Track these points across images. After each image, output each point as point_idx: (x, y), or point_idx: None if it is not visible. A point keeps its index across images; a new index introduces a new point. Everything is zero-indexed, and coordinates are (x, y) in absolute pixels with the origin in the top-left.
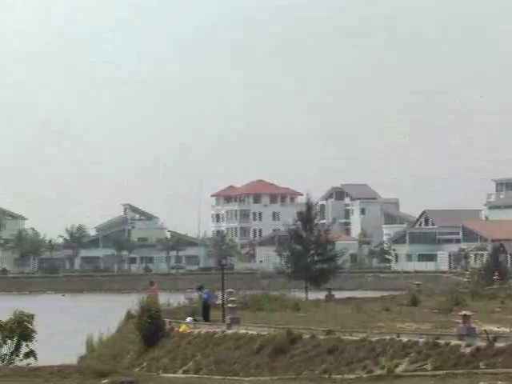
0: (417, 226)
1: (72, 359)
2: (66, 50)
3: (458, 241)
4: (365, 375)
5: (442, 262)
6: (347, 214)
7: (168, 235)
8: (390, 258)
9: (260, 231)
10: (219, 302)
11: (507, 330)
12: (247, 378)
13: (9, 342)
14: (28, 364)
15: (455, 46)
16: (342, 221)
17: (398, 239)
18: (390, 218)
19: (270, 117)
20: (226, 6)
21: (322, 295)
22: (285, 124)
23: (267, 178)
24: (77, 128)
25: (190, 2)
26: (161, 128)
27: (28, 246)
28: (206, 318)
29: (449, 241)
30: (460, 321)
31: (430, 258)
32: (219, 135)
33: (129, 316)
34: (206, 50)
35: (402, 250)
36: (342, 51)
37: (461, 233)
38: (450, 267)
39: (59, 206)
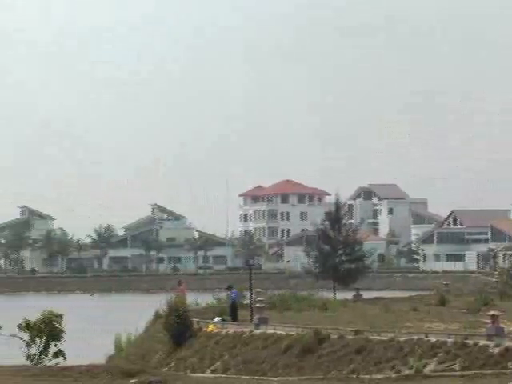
0: (445, 226)
1: (100, 359)
2: (66, 50)
3: (486, 241)
4: (393, 375)
5: (471, 262)
6: (375, 213)
7: (196, 235)
8: (418, 257)
9: (288, 231)
10: (247, 301)
11: None
12: (275, 378)
13: (37, 341)
14: (57, 364)
15: (455, 46)
16: (370, 221)
17: (426, 239)
18: (419, 218)
19: (270, 117)
20: (227, 5)
21: (349, 295)
22: (285, 124)
23: (295, 178)
24: (77, 128)
25: (189, 2)
26: (161, 128)
27: (56, 246)
28: (234, 318)
29: (477, 241)
30: (488, 321)
31: (459, 257)
32: (219, 135)
33: (157, 316)
34: (206, 50)
35: (430, 249)
36: (342, 51)
37: (489, 233)
38: (478, 267)
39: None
